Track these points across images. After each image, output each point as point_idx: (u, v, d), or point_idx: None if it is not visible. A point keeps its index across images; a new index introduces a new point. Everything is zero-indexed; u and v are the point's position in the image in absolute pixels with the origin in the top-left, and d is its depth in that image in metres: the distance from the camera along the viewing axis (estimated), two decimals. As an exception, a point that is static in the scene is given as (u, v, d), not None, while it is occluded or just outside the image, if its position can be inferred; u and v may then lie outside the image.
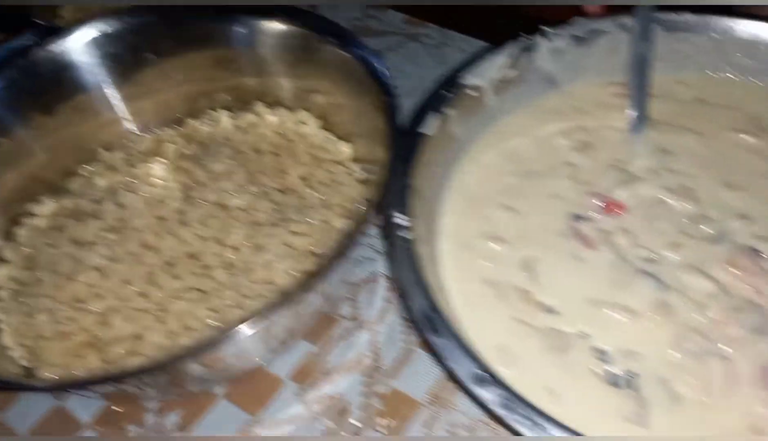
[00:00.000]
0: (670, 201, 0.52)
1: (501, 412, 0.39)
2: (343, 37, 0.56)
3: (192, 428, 0.51)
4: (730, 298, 0.46)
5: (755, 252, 0.48)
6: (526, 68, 0.59)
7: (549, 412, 0.39)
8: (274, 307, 0.42)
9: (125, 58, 0.62)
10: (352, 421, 0.51)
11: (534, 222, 0.52)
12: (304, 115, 0.63)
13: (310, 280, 0.43)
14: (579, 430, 0.38)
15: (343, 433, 0.50)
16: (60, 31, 0.61)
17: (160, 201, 0.57)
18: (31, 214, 0.59)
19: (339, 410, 0.51)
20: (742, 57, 0.60)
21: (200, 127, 0.65)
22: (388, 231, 0.47)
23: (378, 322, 0.56)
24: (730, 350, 0.44)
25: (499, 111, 0.60)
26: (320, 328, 0.56)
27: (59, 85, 0.61)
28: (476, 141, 0.58)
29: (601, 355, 0.45)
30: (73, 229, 0.55)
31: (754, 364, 0.43)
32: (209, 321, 0.49)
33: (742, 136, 0.56)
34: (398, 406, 0.51)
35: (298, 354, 0.55)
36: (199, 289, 0.52)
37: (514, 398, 0.39)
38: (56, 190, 0.62)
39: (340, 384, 0.53)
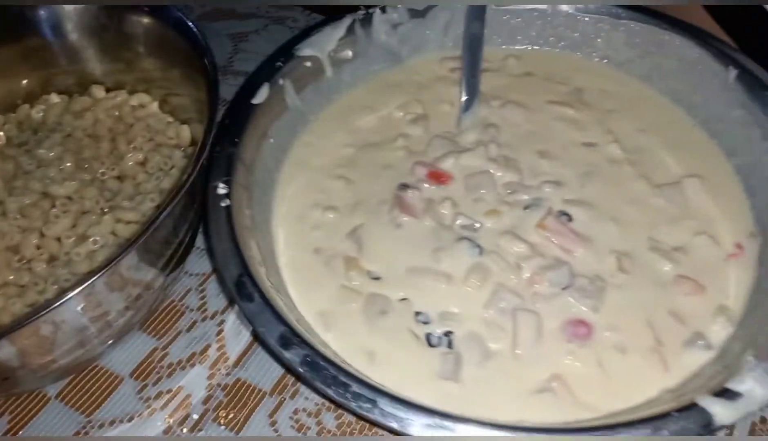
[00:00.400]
0: (492, 171, 0.54)
1: (304, 371, 0.39)
2: (158, 8, 0.55)
3: (20, 434, 0.48)
4: (542, 258, 0.49)
5: (565, 215, 0.51)
6: (367, 42, 0.60)
7: (361, 373, 0.41)
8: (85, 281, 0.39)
9: None
10: (193, 415, 0.49)
11: (365, 191, 0.54)
12: (143, 97, 0.60)
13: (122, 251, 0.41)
14: (394, 389, 0.39)
15: (184, 429, 0.48)
16: None
17: (-21, 193, 0.53)
18: None
19: (180, 404, 0.49)
20: (566, 30, 0.62)
21: (33, 113, 0.60)
22: (207, 199, 0.46)
23: (225, 313, 0.55)
24: (539, 306, 0.46)
25: (342, 84, 0.60)
26: (164, 321, 0.54)
27: None
28: (318, 113, 0.59)
29: (421, 317, 0.47)
30: None
31: (558, 318, 0.46)
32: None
33: (563, 109, 0.59)
34: (243, 397, 0.50)
35: (139, 348, 0.53)
36: (16, 284, 0.48)
37: (316, 356, 0.40)
38: None
39: (183, 378, 0.51)
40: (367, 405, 0.38)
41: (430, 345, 0.45)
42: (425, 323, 0.46)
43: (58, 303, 0.38)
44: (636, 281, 0.48)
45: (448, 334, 0.46)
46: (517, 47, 0.64)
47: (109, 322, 0.46)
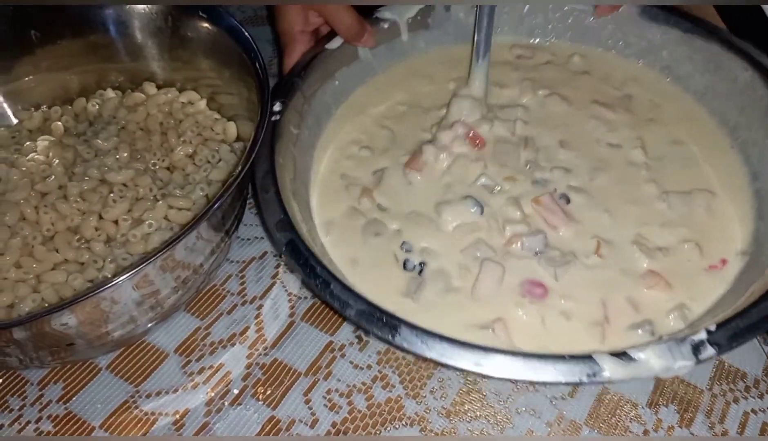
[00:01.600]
0: (516, 145, 0.60)
1: (285, 251, 0.47)
2: (211, 13, 0.59)
3: (74, 400, 0.52)
4: (526, 226, 0.54)
5: (564, 197, 0.56)
6: (445, 16, 0.68)
7: (336, 269, 0.49)
8: (144, 261, 0.43)
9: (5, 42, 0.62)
10: (234, 390, 0.53)
11: (398, 143, 0.62)
12: (192, 94, 0.64)
13: (179, 235, 0.45)
14: (360, 292, 0.46)
15: (225, 402, 0.52)
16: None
17: (41, 177, 0.57)
18: None
19: (221, 380, 0.53)
20: (635, 37, 0.67)
21: (89, 106, 0.65)
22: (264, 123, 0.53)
23: (264, 298, 0.58)
24: (507, 262, 0.52)
25: (414, 49, 0.69)
26: (207, 303, 0.58)
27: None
28: (384, 70, 0.68)
29: (405, 246, 0.54)
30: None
31: (520, 276, 0.52)
32: (81, 289, 0.50)
33: (604, 110, 0.63)
34: (279, 376, 0.54)
35: (184, 327, 0.57)
36: (76, 262, 0.52)
37: (299, 240, 0.47)
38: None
39: (224, 355, 0.55)
40: (324, 286, 0.46)
41: (405, 269, 0.53)
42: (407, 251, 0.54)
43: (117, 280, 0.42)
44: (606, 266, 0.52)
45: (422, 263, 0.53)
46: (584, 46, 0.69)
47: (159, 302, 0.50)
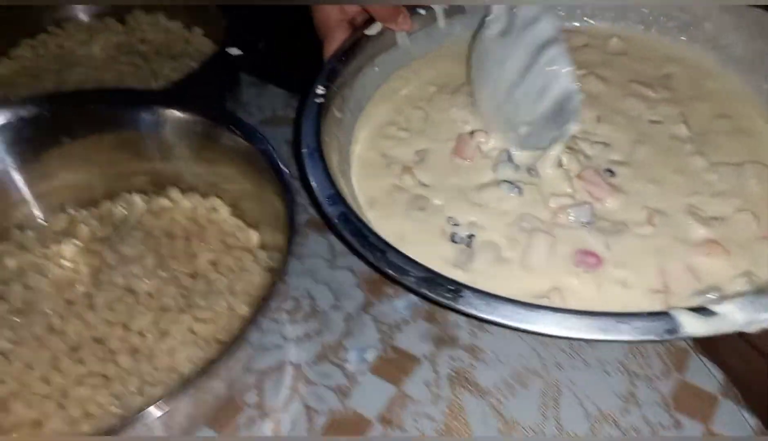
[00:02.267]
0: None
1: (337, 223, 0.50)
2: (242, 128, 0.61)
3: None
4: (572, 199, 0.56)
5: (608, 171, 0.58)
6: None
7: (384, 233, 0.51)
8: (176, 393, 0.44)
9: (33, 142, 0.64)
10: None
11: (437, 125, 0.65)
12: (215, 201, 0.66)
13: (211, 366, 0.45)
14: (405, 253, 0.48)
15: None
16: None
17: (68, 284, 0.59)
18: None
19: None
20: (676, 9, 0.70)
21: (115, 209, 0.67)
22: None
23: (282, 411, 0.59)
24: (556, 232, 0.54)
25: (452, 35, 0.72)
26: (224, 415, 0.58)
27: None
28: (422, 55, 0.72)
29: (452, 220, 0.56)
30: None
31: (571, 246, 0.53)
32: (112, 408, 0.51)
33: (643, 88, 0.66)
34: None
35: (204, 441, 0.57)
36: (102, 375, 0.53)
37: (350, 213, 0.50)
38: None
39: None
40: (381, 255, 0.48)
41: (453, 241, 0.55)
42: (454, 225, 0.56)
43: (149, 418, 0.43)
44: (661, 234, 0.53)
45: (470, 236, 0.55)
46: (624, 25, 0.72)
47: (180, 423, 0.50)
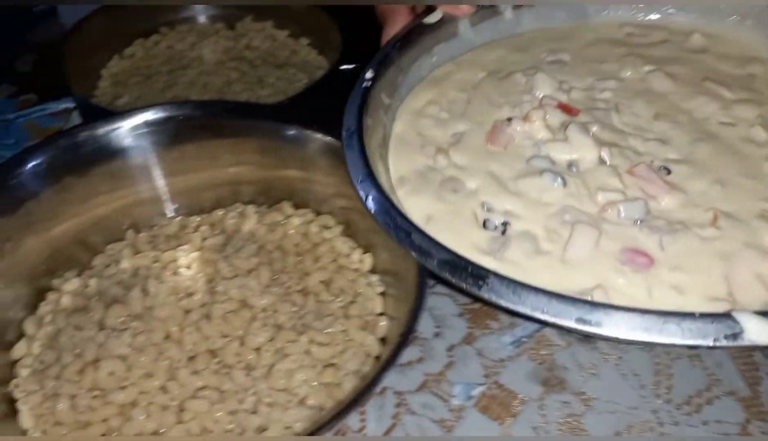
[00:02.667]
0: (612, 114, 0.57)
1: (366, 203, 0.48)
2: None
3: None
4: (622, 194, 0.50)
5: (664, 169, 0.53)
6: None
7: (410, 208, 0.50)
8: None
9: (173, 141, 0.65)
10: None
11: (478, 109, 0.60)
12: (328, 219, 0.66)
13: (345, 409, 0.45)
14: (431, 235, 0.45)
15: None
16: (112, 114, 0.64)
17: (186, 292, 0.59)
18: (55, 290, 0.60)
19: None
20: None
21: (226, 218, 0.67)
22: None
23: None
24: (604, 228, 0.48)
25: (518, 26, 0.68)
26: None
27: (99, 162, 0.63)
28: (483, 44, 0.67)
29: (486, 205, 0.51)
30: (99, 312, 0.56)
31: (619, 243, 0.47)
32: (228, 425, 0.50)
33: (718, 88, 0.60)
34: None
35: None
36: (217, 389, 0.53)
37: (379, 193, 0.48)
38: (80, 265, 0.63)
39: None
40: (405, 236, 0.46)
41: (485, 228, 0.49)
42: (488, 210, 0.51)
43: None
44: (726, 238, 0.47)
45: (505, 223, 0.49)
46: (711, 18, 0.65)
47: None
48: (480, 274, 0.42)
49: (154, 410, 0.51)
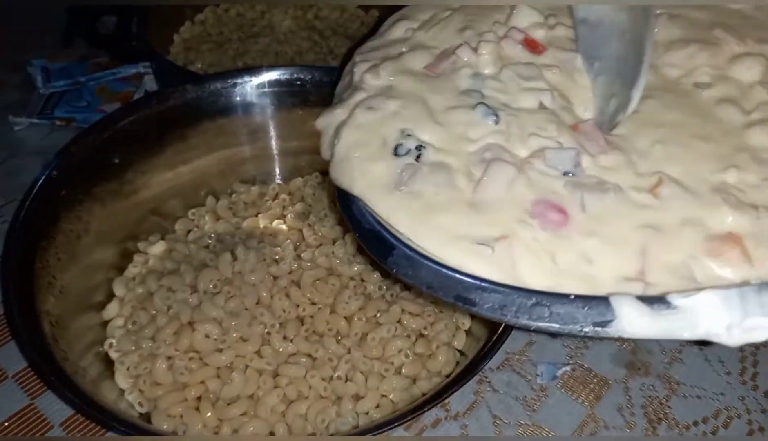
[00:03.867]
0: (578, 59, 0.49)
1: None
2: None
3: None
4: (557, 143, 0.43)
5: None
6: None
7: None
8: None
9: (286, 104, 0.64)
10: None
11: (446, 33, 0.50)
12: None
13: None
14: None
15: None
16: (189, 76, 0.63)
17: (274, 258, 0.58)
18: (142, 253, 0.60)
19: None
20: None
21: (305, 187, 0.66)
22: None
23: (467, 416, 0.57)
24: (526, 174, 0.41)
25: None
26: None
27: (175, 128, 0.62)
28: None
29: (406, 132, 0.43)
30: (190, 275, 0.56)
31: (535, 192, 0.40)
32: (321, 391, 0.50)
33: (719, 32, 0.49)
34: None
35: None
36: (310, 355, 0.53)
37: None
38: (162, 229, 0.63)
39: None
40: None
41: (396, 154, 0.42)
42: (406, 136, 0.43)
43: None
44: (663, 209, 0.39)
45: (420, 148, 0.42)
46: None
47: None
48: (388, 244, 0.39)
49: (250, 374, 0.50)
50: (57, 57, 0.88)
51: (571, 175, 0.40)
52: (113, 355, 0.52)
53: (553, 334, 0.43)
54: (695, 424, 0.56)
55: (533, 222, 0.38)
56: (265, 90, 0.62)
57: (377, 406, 0.50)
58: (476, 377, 0.59)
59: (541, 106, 0.44)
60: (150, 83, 0.83)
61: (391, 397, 0.50)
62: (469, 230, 0.38)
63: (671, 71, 0.47)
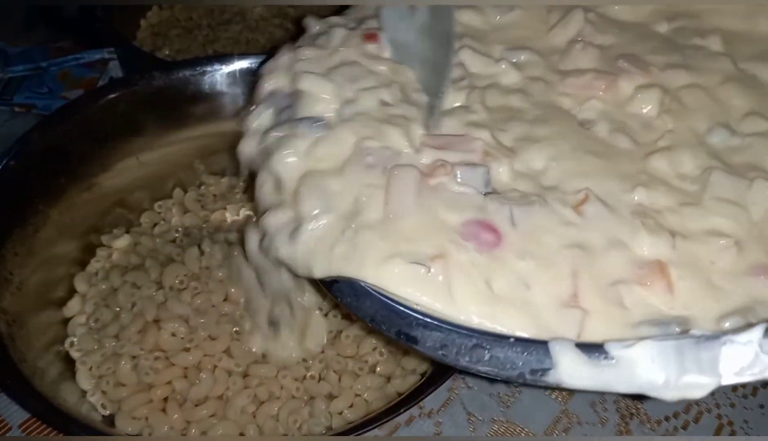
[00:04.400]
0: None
1: None
2: None
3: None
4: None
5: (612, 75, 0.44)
6: None
7: None
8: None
9: None
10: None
11: None
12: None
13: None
14: None
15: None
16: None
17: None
18: (105, 247, 0.58)
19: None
20: None
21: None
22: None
23: (441, 413, 0.56)
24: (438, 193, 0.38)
25: None
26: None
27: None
28: None
29: None
30: (155, 270, 0.54)
31: (459, 214, 0.37)
32: (295, 392, 0.49)
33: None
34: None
35: None
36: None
37: None
38: (127, 222, 0.61)
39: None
40: None
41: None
42: None
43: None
44: (588, 229, 0.37)
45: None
46: None
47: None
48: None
49: (219, 374, 0.49)
50: (17, 40, 0.84)
51: (491, 190, 0.38)
52: (74, 354, 0.50)
53: (491, 380, 0.41)
54: (666, 419, 0.57)
55: (468, 245, 0.36)
56: (237, 79, 0.60)
57: (351, 406, 0.49)
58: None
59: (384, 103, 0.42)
60: (115, 69, 0.79)
61: (365, 396, 0.49)
62: (398, 247, 0.35)
63: (564, 100, 0.45)
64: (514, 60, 0.47)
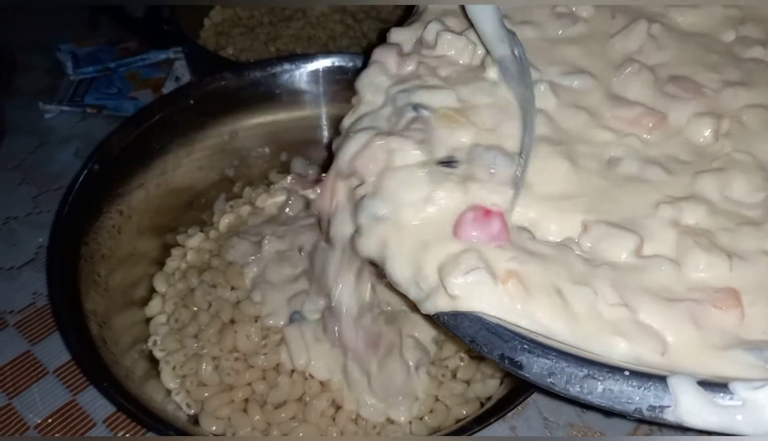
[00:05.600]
0: None
1: None
2: None
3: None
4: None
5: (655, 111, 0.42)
6: None
7: None
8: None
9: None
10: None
11: None
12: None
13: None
14: None
15: None
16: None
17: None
18: (180, 246, 0.59)
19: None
20: None
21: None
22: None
23: (516, 417, 0.55)
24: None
25: None
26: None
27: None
28: None
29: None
30: (231, 273, 0.54)
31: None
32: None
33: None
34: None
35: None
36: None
37: None
38: (201, 222, 0.62)
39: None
40: None
41: None
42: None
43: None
44: (648, 269, 0.35)
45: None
46: None
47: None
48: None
49: (296, 378, 0.49)
50: (84, 41, 0.86)
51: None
52: (158, 354, 0.51)
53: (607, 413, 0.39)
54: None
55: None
56: (312, 78, 0.60)
57: (431, 411, 0.48)
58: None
59: None
60: (180, 69, 0.80)
61: (447, 402, 0.49)
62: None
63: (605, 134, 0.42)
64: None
